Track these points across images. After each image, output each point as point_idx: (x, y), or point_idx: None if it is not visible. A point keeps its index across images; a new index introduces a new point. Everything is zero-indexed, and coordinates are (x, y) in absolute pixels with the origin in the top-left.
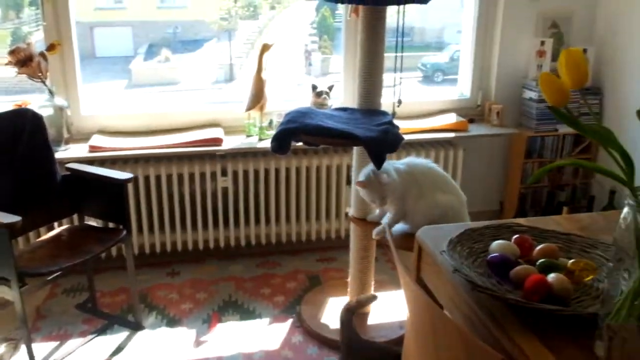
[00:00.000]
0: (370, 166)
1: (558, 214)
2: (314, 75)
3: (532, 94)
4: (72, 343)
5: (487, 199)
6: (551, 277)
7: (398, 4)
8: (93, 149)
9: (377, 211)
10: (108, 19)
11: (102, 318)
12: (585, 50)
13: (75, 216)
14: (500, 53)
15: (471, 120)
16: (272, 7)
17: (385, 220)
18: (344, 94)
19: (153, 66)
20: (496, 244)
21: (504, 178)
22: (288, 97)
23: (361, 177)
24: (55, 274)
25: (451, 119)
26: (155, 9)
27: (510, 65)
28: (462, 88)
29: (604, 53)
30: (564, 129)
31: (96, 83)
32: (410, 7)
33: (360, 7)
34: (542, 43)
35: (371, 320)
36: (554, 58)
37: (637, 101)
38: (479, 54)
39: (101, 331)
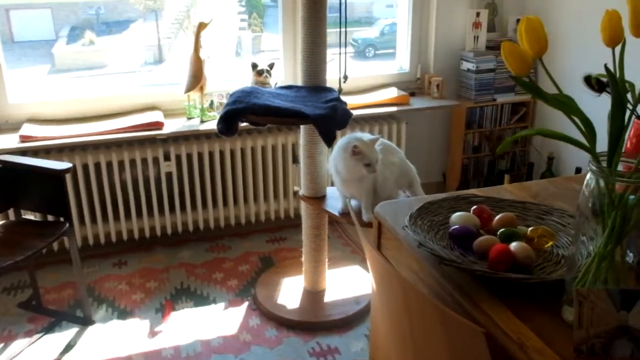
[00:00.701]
0: (351, 135)
1: (500, 182)
2: (246, 53)
3: (470, 65)
4: (18, 344)
5: (430, 171)
6: (513, 245)
7: None
8: (24, 138)
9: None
10: (25, 1)
11: (48, 315)
12: (518, 20)
13: (10, 211)
14: (437, 26)
15: (412, 94)
16: None
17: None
18: (284, 72)
19: (77, 49)
20: (456, 215)
21: (446, 150)
22: (227, 77)
23: (353, 142)
24: None
25: (392, 93)
26: None
27: (447, 38)
28: (401, 62)
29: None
30: (502, 98)
31: (17, 69)
32: None
33: None
34: (478, 14)
35: (327, 297)
36: (490, 29)
37: (570, 69)
38: (416, 28)
39: (48, 329)
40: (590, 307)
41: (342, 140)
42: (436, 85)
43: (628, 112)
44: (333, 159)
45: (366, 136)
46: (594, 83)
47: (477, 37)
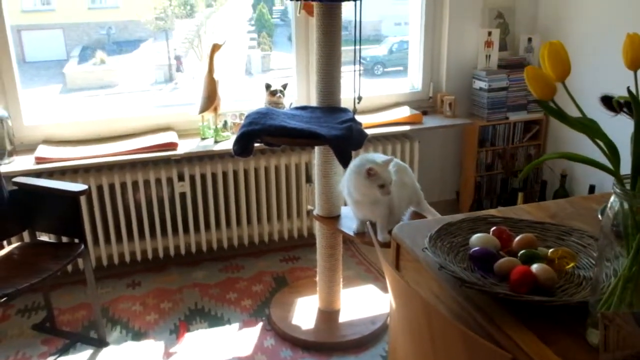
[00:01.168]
0: (363, 157)
1: (513, 200)
2: (256, 72)
3: (482, 84)
4: None
5: (444, 189)
6: (535, 267)
7: None
8: (40, 160)
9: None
10: (37, 22)
11: (62, 337)
12: (530, 39)
13: (25, 233)
14: (449, 45)
15: (424, 113)
16: (209, 5)
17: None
18: (297, 91)
19: (88, 69)
20: (476, 237)
21: (459, 168)
22: (240, 97)
23: (367, 165)
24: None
25: (405, 112)
26: (86, 10)
27: (459, 57)
28: (413, 81)
29: (548, 41)
30: (514, 116)
31: (29, 89)
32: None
33: (315, 5)
34: (489, 34)
35: (342, 317)
36: (501, 48)
37: (581, 87)
38: (428, 47)
39: (63, 351)
40: (616, 330)
41: (355, 162)
42: (449, 104)
43: None
44: (346, 180)
45: (378, 157)
46: (615, 105)
47: (489, 56)
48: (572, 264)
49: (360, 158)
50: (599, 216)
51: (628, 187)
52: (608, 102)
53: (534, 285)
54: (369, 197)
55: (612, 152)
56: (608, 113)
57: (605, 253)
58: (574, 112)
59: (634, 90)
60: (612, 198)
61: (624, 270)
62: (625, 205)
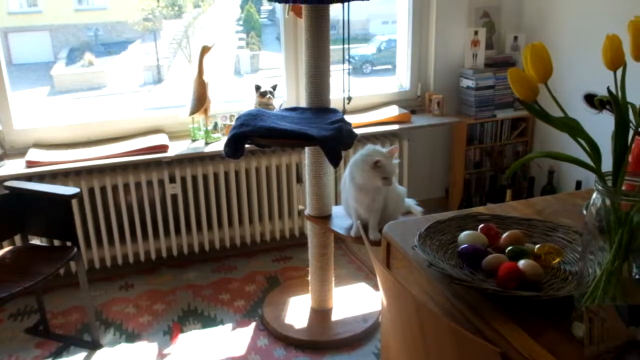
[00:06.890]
0: (371, 147)
1: (502, 197)
2: (244, 72)
3: (470, 83)
4: None
5: (433, 187)
6: (522, 263)
7: (342, 1)
8: (31, 164)
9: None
10: (23, 24)
11: (56, 340)
12: (515, 38)
13: (17, 237)
14: (437, 44)
15: (413, 112)
16: (197, 5)
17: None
18: (286, 92)
19: (76, 71)
20: (465, 234)
21: (448, 166)
22: (230, 98)
23: (376, 157)
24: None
25: (394, 111)
26: (73, 11)
27: (446, 56)
28: (401, 80)
29: (534, 39)
30: (502, 114)
31: (16, 92)
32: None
33: (303, 7)
34: (476, 33)
35: (335, 316)
36: (488, 47)
37: (566, 86)
38: (416, 47)
39: (57, 354)
40: (600, 323)
41: (362, 151)
42: (437, 103)
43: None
44: (351, 165)
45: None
46: (597, 104)
47: (476, 55)
48: (558, 260)
49: (368, 148)
50: (584, 212)
51: (610, 183)
52: (591, 100)
53: (521, 280)
54: (371, 184)
55: (594, 150)
56: (591, 111)
57: (589, 248)
58: (556, 111)
59: (613, 90)
60: (595, 194)
61: (607, 264)
62: (607, 202)
